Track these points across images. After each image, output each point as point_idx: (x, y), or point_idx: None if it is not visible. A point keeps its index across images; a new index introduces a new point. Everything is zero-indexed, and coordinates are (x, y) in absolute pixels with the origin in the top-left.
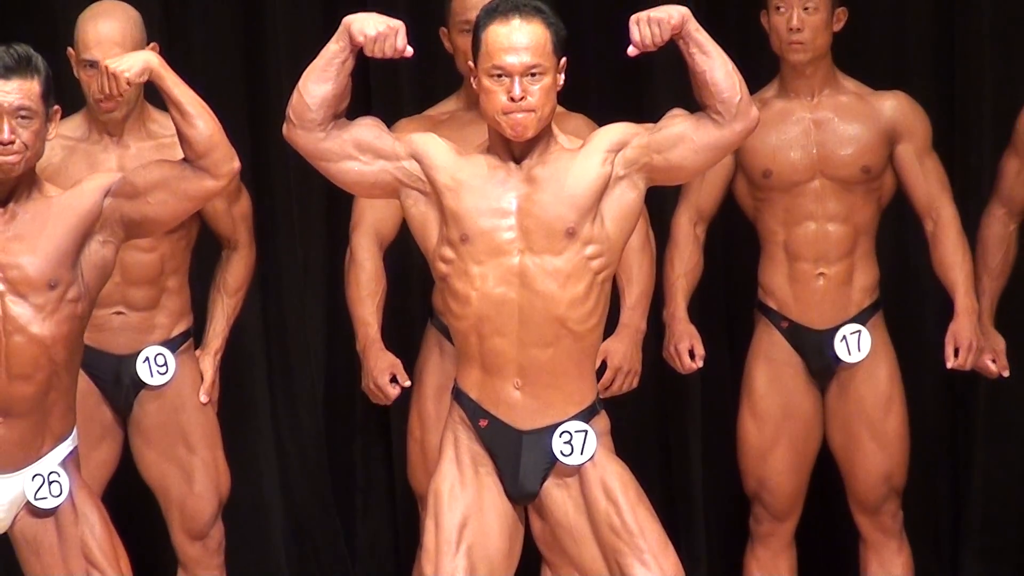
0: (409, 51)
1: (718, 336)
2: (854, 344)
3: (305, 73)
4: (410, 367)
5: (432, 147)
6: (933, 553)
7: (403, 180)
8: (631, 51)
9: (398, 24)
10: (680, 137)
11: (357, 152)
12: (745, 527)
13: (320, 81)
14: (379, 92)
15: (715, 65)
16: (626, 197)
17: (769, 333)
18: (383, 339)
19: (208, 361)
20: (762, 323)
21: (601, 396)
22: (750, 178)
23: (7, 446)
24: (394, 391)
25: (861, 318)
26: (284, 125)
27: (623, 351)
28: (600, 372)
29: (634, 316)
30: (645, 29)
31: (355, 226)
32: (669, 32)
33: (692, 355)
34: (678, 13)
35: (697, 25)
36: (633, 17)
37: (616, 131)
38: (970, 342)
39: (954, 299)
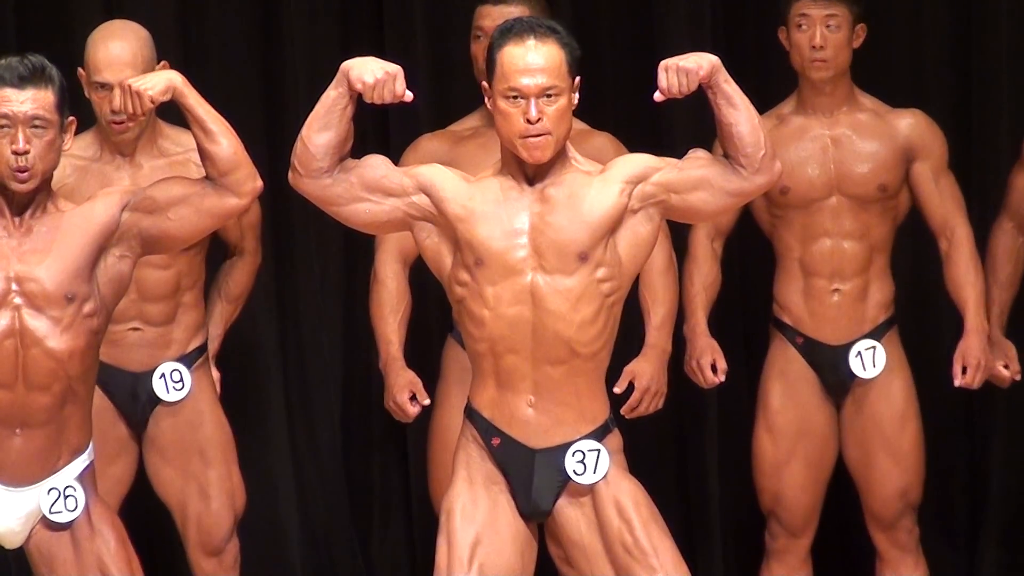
0: (408, 96)
1: (735, 351)
2: (869, 360)
3: (307, 122)
4: (432, 380)
5: (440, 179)
6: (951, 561)
7: (414, 214)
8: (657, 97)
9: (396, 69)
10: (700, 181)
11: (366, 193)
12: (761, 543)
13: (323, 129)
14: (397, 112)
15: (742, 119)
16: (640, 229)
17: (784, 349)
18: (406, 354)
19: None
20: (777, 339)
21: (627, 417)
22: (767, 195)
23: (24, 459)
24: (413, 409)
25: (876, 334)
26: (290, 174)
27: (650, 372)
28: (627, 393)
29: (660, 337)
30: (673, 78)
31: (379, 244)
32: (696, 83)
33: (714, 369)
34: (708, 64)
35: (727, 76)
36: (662, 64)
37: (638, 163)
38: (978, 361)
39: (964, 318)
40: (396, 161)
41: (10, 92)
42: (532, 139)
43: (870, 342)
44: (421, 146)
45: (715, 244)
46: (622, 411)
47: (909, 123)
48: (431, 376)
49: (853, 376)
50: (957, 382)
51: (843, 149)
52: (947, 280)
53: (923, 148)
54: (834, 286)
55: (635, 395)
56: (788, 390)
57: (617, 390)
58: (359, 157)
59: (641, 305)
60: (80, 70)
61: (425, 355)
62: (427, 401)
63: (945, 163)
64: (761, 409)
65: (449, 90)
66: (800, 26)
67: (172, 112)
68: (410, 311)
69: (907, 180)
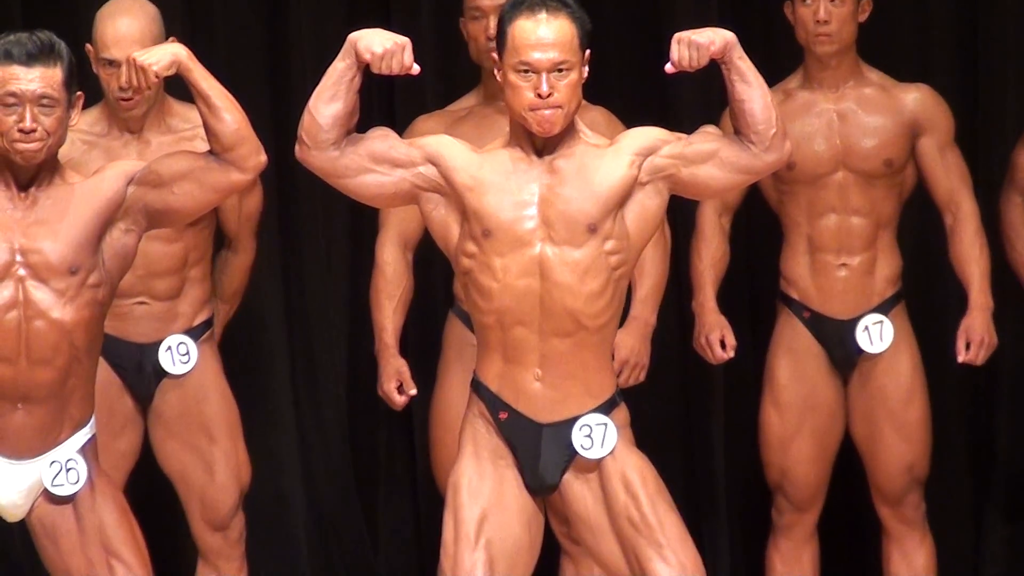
0: (416, 68)
1: (741, 327)
2: (876, 334)
3: (314, 94)
4: (434, 356)
5: (448, 149)
6: (957, 537)
7: (422, 185)
8: (668, 68)
9: (404, 41)
10: (711, 156)
11: (373, 165)
12: (767, 519)
13: (330, 101)
14: (402, 88)
15: (755, 96)
16: (649, 202)
17: (791, 324)
18: (407, 333)
19: None
20: (784, 314)
21: None
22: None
23: (26, 432)
24: (400, 399)
25: (883, 308)
26: (296, 147)
27: (631, 344)
28: None
29: (644, 309)
30: (684, 51)
31: (380, 226)
32: (708, 57)
33: (723, 345)
34: (721, 40)
35: (741, 53)
36: (676, 36)
37: (647, 136)
38: (982, 337)
39: (968, 294)
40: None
41: (18, 70)
42: (543, 112)
43: (877, 316)
44: (417, 127)
45: (723, 220)
46: None
47: (915, 98)
48: (436, 351)
49: (860, 351)
50: (961, 358)
51: (849, 124)
52: (952, 255)
53: (929, 123)
54: (841, 261)
55: (614, 366)
56: (795, 365)
57: None
58: (364, 132)
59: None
60: (88, 46)
61: (430, 330)
62: (413, 391)
63: (951, 138)
64: (768, 384)
65: (455, 65)
66: (805, 0)
67: (182, 89)
68: (410, 294)
69: (913, 155)
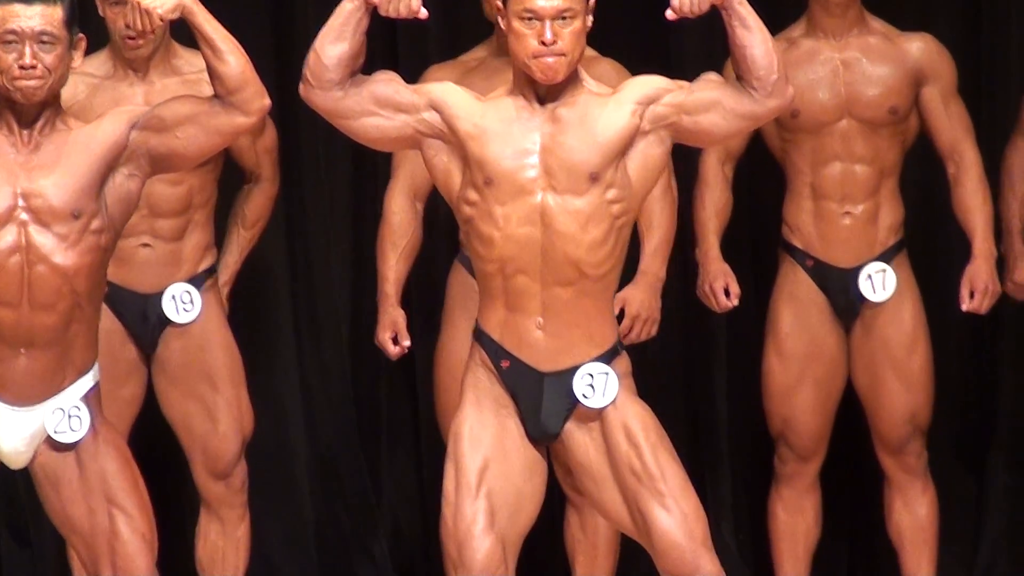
0: (424, 13)
1: (743, 275)
2: (879, 282)
3: (321, 33)
4: (439, 305)
5: (451, 96)
6: (959, 486)
7: (424, 131)
8: (669, 15)
9: None
10: (713, 103)
11: (377, 107)
12: (769, 466)
13: (336, 41)
14: (405, 36)
15: (755, 41)
16: (651, 151)
17: (794, 272)
18: (411, 282)
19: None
20: (787, 262)
21: None
22: (778, 118)
23: (29, 378)
24: (395, 349)
25: (886, 256)
26: (301, 85)
27: (641, 298)
28: (618, 320)
29: (653, 263)
30: None
31: (391, 175)
32: (708, 3)
33: (727, 294)
34: None
35: None
36: None
37: (649, 84)
38: (986, 285)
39: (972, 242)
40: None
41: (18, 7)
42: (546, 59)
43: (880, 265)
44: (430, 76)
45: (726, 168)
46: None
47: (919, 47)
48: (440, 298)
49: (863, 299)
50: (964, 307)
51: (853, 72)
52: (954, 204)
53: (933, 72)
54: (845, 209)
55: (625, 322)
56: (798, 313)
57: None
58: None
59: (637, 230)
60: None
61: (435, 277)
62: (407, 342)
63: (954, 87)
64: (770, 333)
65: (458, 12)
66: None
67: (186, 35)
68: (417, 244)
69: (916, 104)
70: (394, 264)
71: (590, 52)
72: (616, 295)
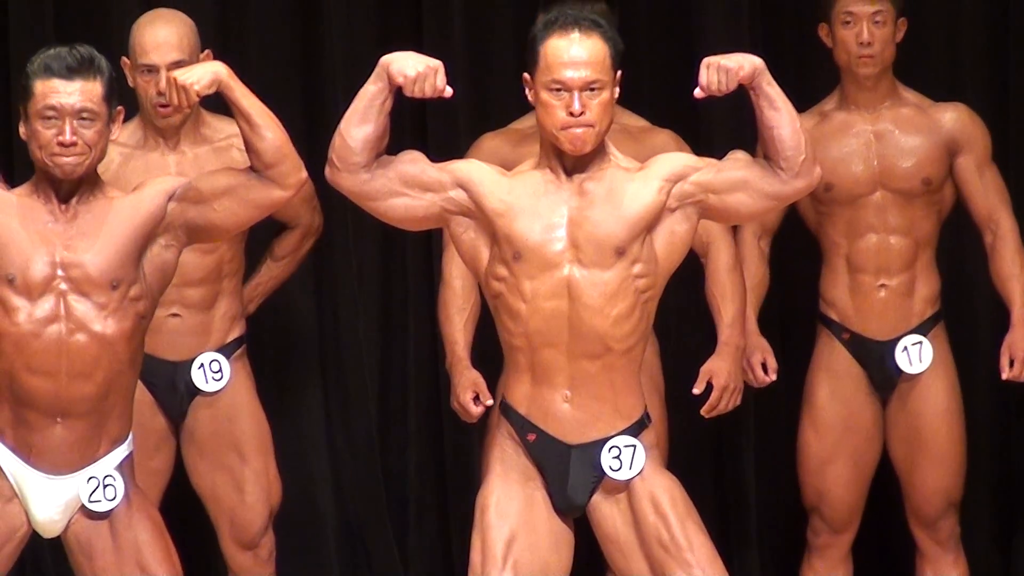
0: (448, 91)
1: (773, 347)
2: (916, 355)
3: (345, 116)
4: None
5: (478, 173)
6: (987, 558)
7: (451, 209)
8: (697, 93)
9: (437, 64)
10: (740, 183)
11: (404, 188)
12: (798, 540)
13: (362, 123)
14: (434, 112)
15: (783, 121)
16: (678, 228)
17: (831, 345)
18: (476, 351)
19: None
20: (824, 335)
21: (707, 416)
22: (812, 191)
23: (64, 447)
24: (477, 409)
25: (922, 329)
26: (327, 169)
27: (727, 369)
28: (706, 393)
29: (733, 334)
30: (713, 76)
31: (446, 243)
32: (736, 83)
33: (765, 369)
34: (749, 65)
35: (770, 79)
36: (705, 61)
37: (677, 161)
38: None
39: (1011, 310)
40: (446, 159)
41: (58, 83)
42: (574, 131)
43: (917, 337)
44: (484, 145)
45: (762, 243)
46: (702, 411)
47: (952, 116)
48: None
49: (900, 372)
50: (1004, 375)
51: (886, 144)
52: (992, 273)
53: (967, 141)
54: (880, 281)
55: (715, 394)
56: (834, 386)
57: (696, 391)
58: (395, 153)
59: (709, 304)
60: (124, 59)
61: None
62: (490, 401)
63: (989, 156)
64: (807, 405)
65: (487, 86)
66: (846, 23)
67: (212, 99)
68: (479, 309)
69: (951, 174)
70: (462, 327)
71: (645, 123)
72: (701, 368)
